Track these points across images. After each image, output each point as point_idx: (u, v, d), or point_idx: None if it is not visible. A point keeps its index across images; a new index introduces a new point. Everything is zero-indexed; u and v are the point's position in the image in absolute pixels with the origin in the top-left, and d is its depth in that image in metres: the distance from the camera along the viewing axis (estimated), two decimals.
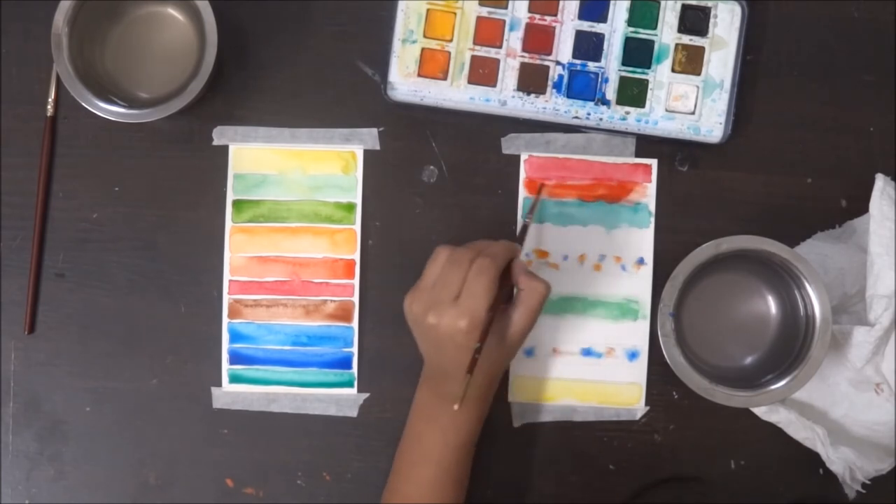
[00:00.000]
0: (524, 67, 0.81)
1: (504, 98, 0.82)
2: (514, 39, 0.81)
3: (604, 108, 0.82)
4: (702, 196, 0.83)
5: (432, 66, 0.81)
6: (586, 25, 0.81)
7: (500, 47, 0.81)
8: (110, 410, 0.83)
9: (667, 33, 0.81)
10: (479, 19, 0.81)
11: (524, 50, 0.81)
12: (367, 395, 0.83)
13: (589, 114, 0.82)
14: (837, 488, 0.81)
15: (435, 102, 0.82)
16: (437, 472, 0.74)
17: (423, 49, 0.81)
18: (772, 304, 0.82)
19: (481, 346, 0.71)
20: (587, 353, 0.83)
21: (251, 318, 0.83)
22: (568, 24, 0.81)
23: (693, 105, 0.82)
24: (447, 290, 0.71)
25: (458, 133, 0.83)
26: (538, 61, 0.81)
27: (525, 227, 0.80)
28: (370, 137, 0.83)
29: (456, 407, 0.69)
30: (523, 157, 0.83)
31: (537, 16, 0.81)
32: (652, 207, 0.83)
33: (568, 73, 0.81)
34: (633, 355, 0.83)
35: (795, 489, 0.83)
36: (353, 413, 0.83)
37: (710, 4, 0.81)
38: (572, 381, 0.83)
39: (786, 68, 0.84)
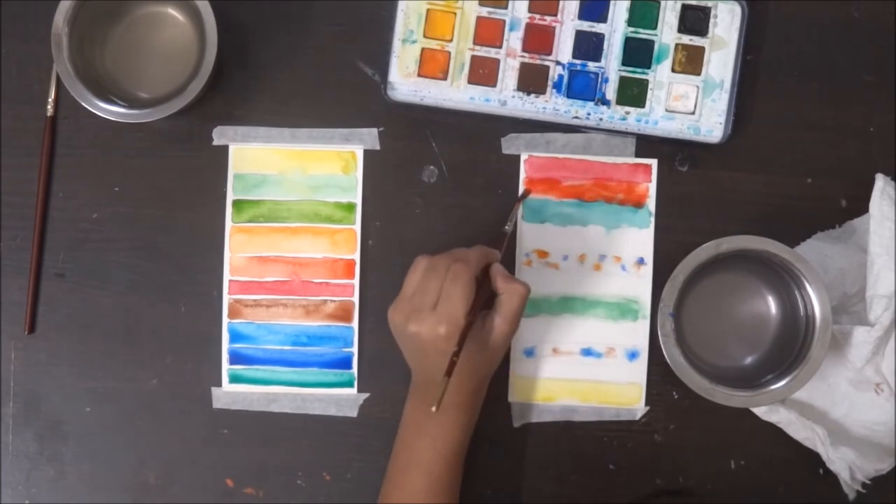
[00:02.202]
0: (524, 67, 0.81)
1: (504, 98, 0.82)
2: (514, 39, 0.81)
3: (604, 108, 0.82)
4: (702, 196, 0.83)
5: (432, 66, 0.81)
6: (586, 25, 0.81)
7: (500, 47, 0.81)
8: (110, 410, 0.83)
9: (667, 33, 0.81)
10: (479, 19, 0.81)
11: (524, 50, 0.81)
12: (367, 395, 0.83)
13: (589, 114, 0.82)
14: (837, 488, 0.81)
15: (435, 102, 0.82)
16: (428, 482, 0.74)
17: (423, 49, 0.81)
18: (772, 304, 0.82)
19: (459, 350, 0.71)
20: (587, 353, 0.83)
21: (251, 318, 0.83)
22: (568, 24, 0.81)
23: (693, 105, 0.82)
24: (426, 298, 0.72)
25: (458, 133, 0.83)
26: (538, 61, 0.81)
27: (504, 235, 0.80)
28: (370, 137, 0.83)
29: (434, 409, 0.68)
30: (523, 157, 0.83)
31: (537, 16, 0.81)
32: (652, 207, 0.83)
33: (568, 73, 0.81)
34: (633, 355, 0.83)
35: (795, 489, 0.83)
36: (353, 413, 0.83)
37: (710, 4, 0.81)
38: (572, 381, 0.83)
39: (786, 68, 0.84)
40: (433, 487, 0.74)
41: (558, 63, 0.82)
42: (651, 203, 0.83)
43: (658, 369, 0.82)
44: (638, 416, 0.83)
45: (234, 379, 0.83)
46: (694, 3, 0.81)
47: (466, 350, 0.71)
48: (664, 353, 0.77)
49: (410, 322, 0.72)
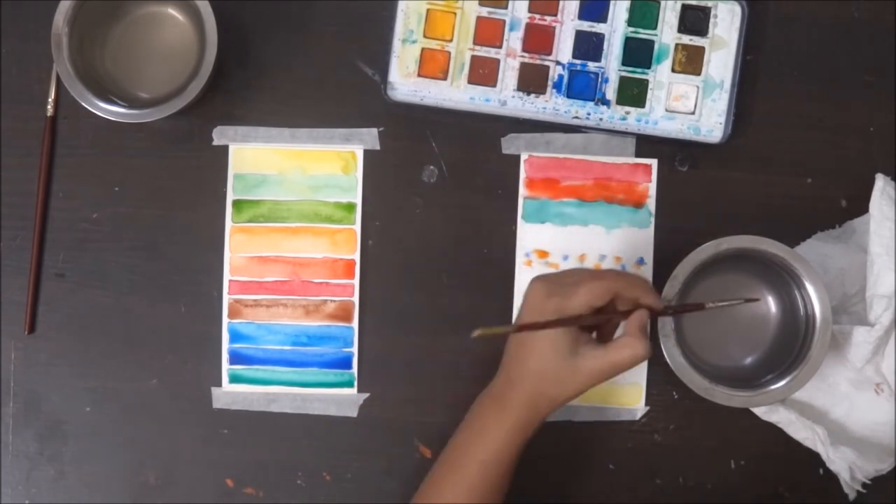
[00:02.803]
0: (524, 67, 0.81)
1: (504, 98, 0.82)
2: (514, 39, 0.81)
3: (604, 108, 0.82)
4: (702, 196, 0.83)
5: (432, 66, 0.81)
6: (586, 25, 0.81)
7: (500, 47, 0.81)
8: (110, 410, 0.83)
9: (667, 33, 0.81)
10: (479, 19, 0.81)
11: (524, 50, 0.81)
12: (367, 395, 0.83)
13: (589, 114, 0.82)
14: (837, 488, 0.81)
15: (435, 102, 0.82)
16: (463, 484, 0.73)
17: (423, 49, 0.81)
18: (772, 304, 0.82)
19: (524, 327, 0.68)
20: None
21: (251, 318, 0.83)
22: (568, 24, 0.81)
23: (693, 105, 0.82)
24: (566, 279, 0.71)
25: (458, 133, 0.83)
26: (538, 61, 0.81)
27: (695, 308, 0.74)
28: (370, 137, 0.83)
29: (474, 334, 0.66)
30: (523, 157, 0.83)
31: (537, 16, 0.81)
32: (652, 207, 0.83)
33: (568, 73, 0.81)
34: None
35: (795, 489, 0.83)
36: (353, 413, 0.83)
37: (710, 4, 0.81)
38: None
39: (786, 68, 0.84)
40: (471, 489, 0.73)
41: (558, 63, 0.82)
42: (651, 203, 0.83)
43: (658, 369, 0.82)
44: (638, 416, 0.83)
45: (234, 379, 0.83)
46: (694, 3, 0.81)
47: (552, 355, 0.69)
48: (664, 353, 0.77)
49: (538, 283, 0.70)
